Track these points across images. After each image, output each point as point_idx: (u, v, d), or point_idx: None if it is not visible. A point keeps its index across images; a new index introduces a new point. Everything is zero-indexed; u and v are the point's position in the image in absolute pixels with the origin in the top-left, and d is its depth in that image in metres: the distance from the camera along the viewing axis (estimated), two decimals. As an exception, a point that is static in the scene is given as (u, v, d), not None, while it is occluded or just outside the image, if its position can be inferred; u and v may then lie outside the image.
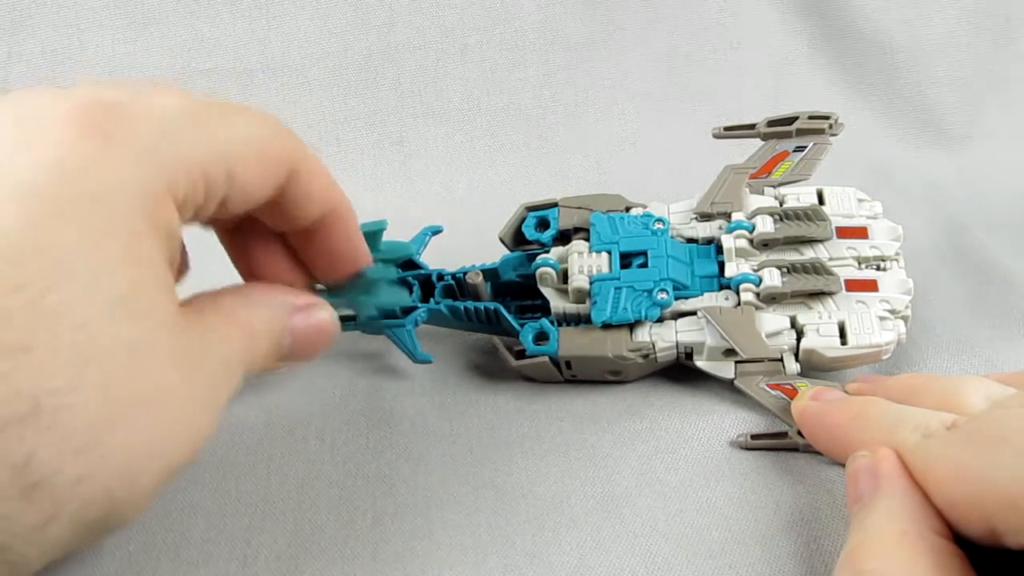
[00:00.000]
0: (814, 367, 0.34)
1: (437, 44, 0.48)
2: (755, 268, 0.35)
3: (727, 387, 0.35)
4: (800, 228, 0.35)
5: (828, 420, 0.31)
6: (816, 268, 0.34)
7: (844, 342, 0.33)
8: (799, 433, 0.32)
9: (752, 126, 0.39)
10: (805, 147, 0.38)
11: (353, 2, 0.48)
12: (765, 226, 0.35)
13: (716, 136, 0.39)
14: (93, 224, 0.22)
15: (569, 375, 0.36)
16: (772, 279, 0.34)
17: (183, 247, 0.28)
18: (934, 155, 0.48)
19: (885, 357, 0.34)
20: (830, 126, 0.38)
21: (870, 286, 0.34)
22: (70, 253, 0.21)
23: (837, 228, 0.36)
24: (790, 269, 0.34)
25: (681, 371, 0.36)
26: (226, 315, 0.27)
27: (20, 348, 0.20)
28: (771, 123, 0.39)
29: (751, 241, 0.35)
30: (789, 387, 0.33)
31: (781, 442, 0.32)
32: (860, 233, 0.36)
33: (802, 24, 0.50)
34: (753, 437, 0.33)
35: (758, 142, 0.39)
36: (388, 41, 0.48)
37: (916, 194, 0.46)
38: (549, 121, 0.49)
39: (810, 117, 0.38)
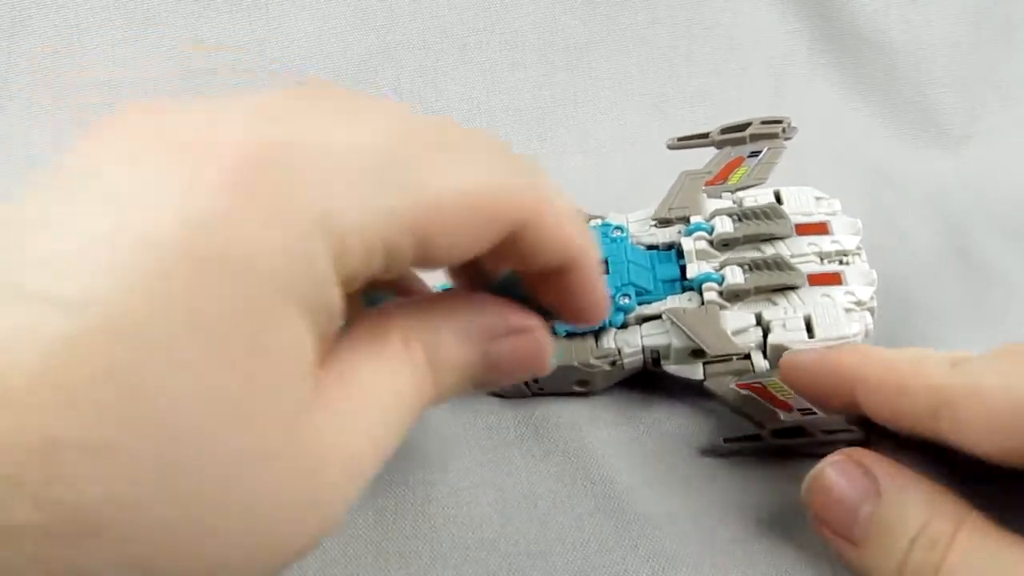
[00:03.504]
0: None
1: (436, 44, 0.48)
2: (717, 268, 0.35)
3: (696, 395, 0.34)
4: (759, 226, 0.35)
5: (832, 361, 0.29)
6: (778, 264, 0.34)
7: (811, 335, 0.33)
8: (772, 434, 0.32)
9: (706, 135, 0.39)
10: (760, 152, 0.38)
11: (353, 2, 0.48)
12: (724, 226, 0.35)
13: (671, 147, 0.39)
14: (221, 296, 0.17)
15: (536, 388, 0.35)
16: (735, 276, 0.34)
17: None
18: (934, 155, 0.48)
19: None
20: (783, 130, 0.38)
21: (834, 279, 0.34)
22: (176, 334, 0.17)
23: (797, 226, 0.36)
24: (752, 266, 0.34)
25: (647, 382, 0.36)
26: (390, 349, 0.22)
27: (101, 447, 0.16)
28: (724, 130, 0.39)
29: (711, 242, 0.35)
30: (759, 385, 0.33)
31: (754, 444, 0.32)
32: (820, 229, 0.36)
33: (802, 24, 0.50)
34: (725, 440, 0.33)
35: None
36: (387, 41, 0.48)
37: (916, 194, 0.46)
38: (549, 121, 0.49)
39: (763, 122, 0.38)
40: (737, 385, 0.33)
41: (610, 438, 0.34)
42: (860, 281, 0.34)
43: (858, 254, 0.35)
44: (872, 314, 0.34)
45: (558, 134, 0.49)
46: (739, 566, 0.30)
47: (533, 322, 0.24)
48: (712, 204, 0.37)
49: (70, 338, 0.16)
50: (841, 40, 0.50)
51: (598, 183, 0.47)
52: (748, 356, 0.34)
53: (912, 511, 0.25)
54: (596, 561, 0.30)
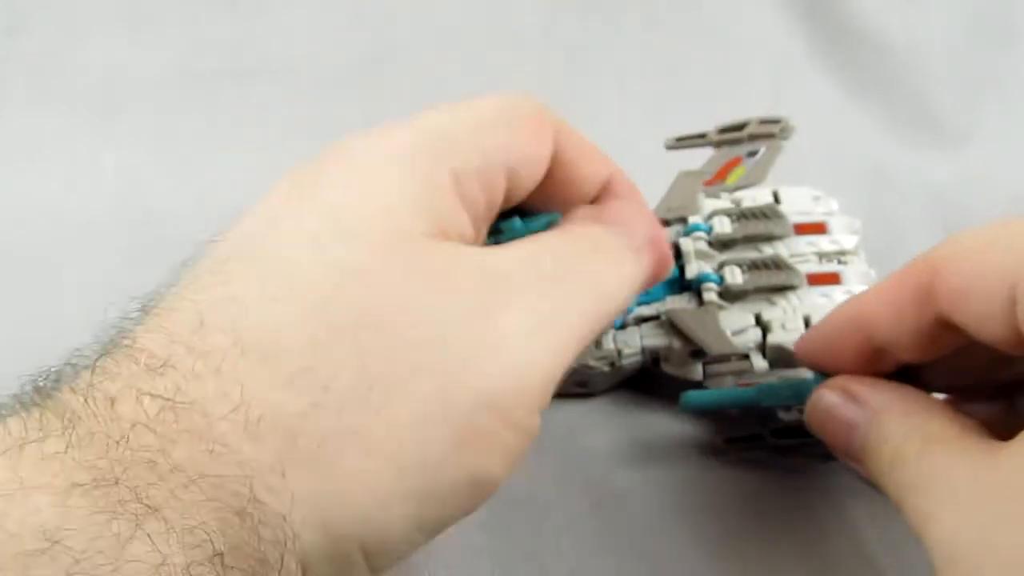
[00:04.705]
0: (782, 362, 0.34)
1: (437, 44, 0.48)
2: (715, 268, 0.35)
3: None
4: (758, 226, 0.35)
5: (837, 312, 0.29)
6: (777, 263, 0.34)
7: None
8: (772, 434, 0.32)
9: (703, 135, 0.39)
10: (757, 152, 0.38)
11: (352, 2, 0.48)
12: (723, 227, 0.35)
13: (668, 148, 0.39)
14: (400, 262, 0.22)
15: None
16: (733, 277, 0.34)
17: None
18: (934, 155, 0.48)
19: None
20: (781, 130, 0.38)
21: (832, 279, 0.34)
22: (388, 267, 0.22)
23: (795, 225, 0.36)
24: (751, 266, 0.34)
25: (646, 383, 0.36)
26: (591, 230, 0.26)
27: (231, 298, 0.21)
28: (722, 130, 0.39)
29: (710, 243, 0.35)
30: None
31: (756, 444, 0.32)
32: (818, 229, 0.36)
33: (802, 24, 0.50)
34: (727, 441, 0.33)
35: None
36: (387, 41, 0.48)
37: (915, 194, 0.46)
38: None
39: (761, 122, 0.38)
40: (738, 385, 0.33)
41: (608, 439, 0.34)
42: (859, 281, 0.34)
43: (856, 254, 0.35)
44: None
45: (557, 134, 0.49)
46: (736, 567, 0.30)
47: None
48: (710, 204, 0.37)
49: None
50: (841, 40, 0.50)
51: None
52: (747, 356, 0.33)
53: (889, 429, 0.25)
54: (592, 563, 0.30)
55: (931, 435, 0.24)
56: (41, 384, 0.20)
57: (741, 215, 0.36)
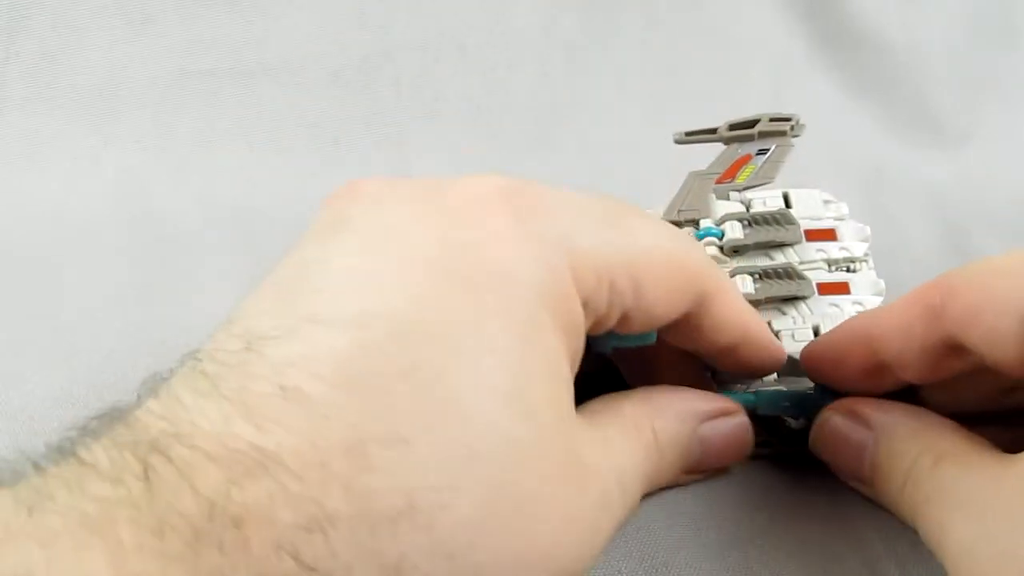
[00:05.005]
0: (791, 372, 0.34)
1: (436, 45, 0.48)
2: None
3: None
4: (770, 233, 0.35)
5: (844, 326, 0.29)
6: (788, 273, 0.34)
7: None
8: (781, 440, 0.31)
9: (714, 130, 0.39)
10: (768, 150, 0.37)
11: (352, 2, 0.48)
12: (734, 232, 0.35)
13: (678, 142, 0.39)
14: (488, 301, 0.20)
15: None
16: (745, 286, 0.34)
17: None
18: (933, 156, 0.48)
19: None
20: (792, 127, 0.38)
21: (842, 288, 0.34)
22: (462, 334, 0.19)
23: (805, 231, 0.36)
24: (762, 275, 0.34)
25: None
26: (626, 424, 0.24)
27: (400, 440, 0.18)
28: (732, 127, 0.38)
29: (721, 248, 0.35)
30: None
31: (767, 451, 0.32)
32: (828, 235, 0.36)
33: (802, 24, 0.50)
34: None
35: None
36: (387, 42, 0.48)
37: (915, 195, 0.46)
38: (548, 121, 0.49)
39: (771, 119, 0.38)
40: (739, 391, 0.33)
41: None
42: (868, 291, 0.34)
43: (865, 261, 0.35)
44: None
45: (557, 134, 0.49)
46: (737, 568, 0.30)
47: (732, 405, 0.27)
48: (722, 207, 0.37)
49: (361, 348, 0.18)
50: (841, 40, 0.50)
51: (598, 184, 0.47)
52: None
53: (900, 448, 0.25)
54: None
55: (943, 450, 0.24)
56: (142, 452, 0.17)
57: (753, 220, 0.35)
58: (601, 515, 0.22)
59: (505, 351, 0.20)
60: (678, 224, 0.36)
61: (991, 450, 0.24)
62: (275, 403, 0.18)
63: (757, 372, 0.30)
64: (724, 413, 0.27)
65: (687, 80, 0.49)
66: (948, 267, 0.41)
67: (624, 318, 0.24)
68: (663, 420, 0.25)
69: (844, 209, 0.37)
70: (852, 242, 0.36)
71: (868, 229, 0.36)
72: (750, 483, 0.32)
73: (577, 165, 0.48)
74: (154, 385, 0.19)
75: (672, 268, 0.24)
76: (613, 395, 0.25)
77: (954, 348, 0.25)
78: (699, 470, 0.27)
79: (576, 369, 0.23)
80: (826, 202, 0.37)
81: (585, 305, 0.22)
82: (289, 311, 0.19)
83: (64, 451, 0.17)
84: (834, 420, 0.28)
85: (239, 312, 0.20)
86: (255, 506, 0.17)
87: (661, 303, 0.24)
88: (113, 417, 0.18)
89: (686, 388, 0.27)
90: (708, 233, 0.36)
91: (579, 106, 0.49)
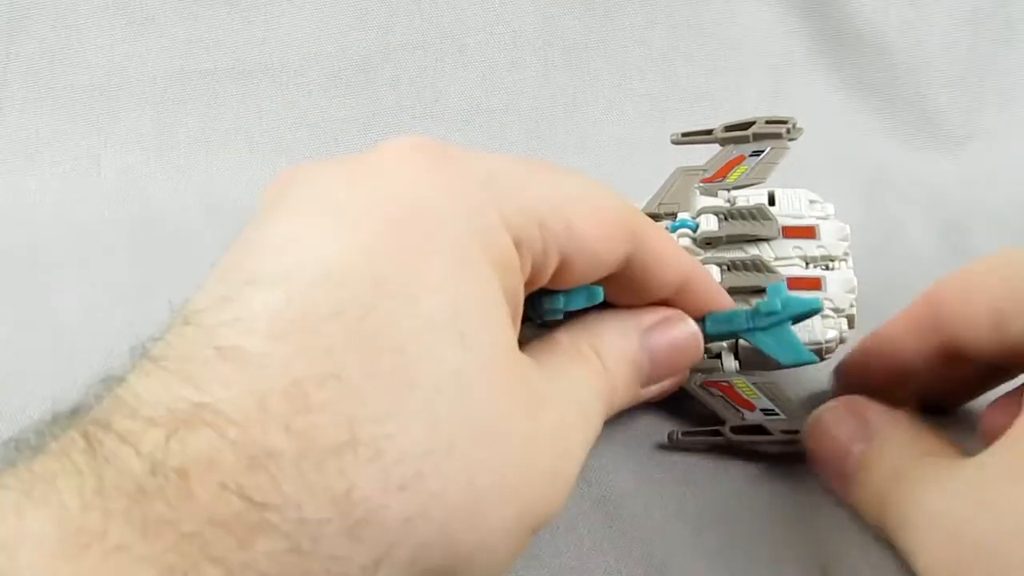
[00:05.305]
0: (753, 365, 0.34)
1: (436, 44, 0.48)
2: None
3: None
4: (744, 226, 0.35)
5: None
6: (756, 265, 0.34)
7: None
8: (732, 430, 0.32)
9: (710, 131, 0.39)
10: (762, 151, 0.37)
11: (352, 2, 0.48)
12: (709, 224, 0.35)
13: (675, 142, 0.39)
14: (412, 238, 0.20)
15: None
16: (710, 267, 0.34)
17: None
18: (934, 156, 0.48)
19: (827, 356, 0.34)
20: (787, 130, 0.38)
21: (813, 284, 0.34)
22: (389, 272, 0.20)
23: (784, 228, 0.35)
24: (730, 267, 0.34)
25: None
26: (568, 352, 0.25)
27: (335, 377, 0.19)
28: (728, 128, 0.38)
29: (694, 240, 0.35)
30: (726, 384, 0.33)
31: (712, 440, 0.32)
32: (807, 233, 0.35)
33: (802, 24, 0.50)
34: (684, 434, 0.32)
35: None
36: (387, 41, 0.48)
37: (915, 195, 0.46)
38: (548, 121, 0.49)
39: (767, 122, 0.38)
40: (704, 384, 0.33)
41: (608, 439, 0.34)
42: (840, 288, 0.34)
43: (844, 260, 0.35)
44: (851, 322, 0.34)
45: (557, 134, 0.49)
46: (736, 567, 0.30)
47: (672, 312, 0.28)
48: (703, 201, 0.37)
49: (291, 298, 0.19)
50: (840, 40, 0.49)
51: (597, 183, 0.47)
52: (719, 356, 0.33)
53: (893, 450, 0.26)
54: (592, 563, 0.30)
55: (925, 452, 0.26)
56: (91, 431, 0.18)
57: (729, 214, 0.35)
58: (564, 444, 0.23)
59: (434, 284, 0.20)
60: (656, 216, 0.36)
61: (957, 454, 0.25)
62: (213, 364, 0.18)
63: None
64: (666, 320, 0.27)
65: (687, 80, 0.49)
66: (948, 267, 0.41)
67: (566, 264, 0.24)
68: (602, 340, 0.26)
69: (830, 209, 0.36)
70: (831, 240, 0.35)
71: (848, 228, 0.36)
72: (750, 485, 0.32)
73: (577, 165, 0.48)
74: (107, 381, 0.19)
75: (601, 208, 0.24)
76: (549, 332, 0.26)
77: (953, 351, 0.26)
78: (655, 382, 0.28)
79: (520, 312, 0.24)
80: (812, 202, 0.37)
81: (518, 245, 0.23)
82: (226, 282, 0.20)
83: (19, 445, 0.18)
84: (834, 412, 0.28)
85: (187, 301, 0.20)
86: (197, 455, 0.17)
87: (596, 241, 0.24)
88: (68, 413, 0.19)
89: (623, 309, 0.27)
90: (682, 225, 0.35)
91: (579, 106, 0.49)
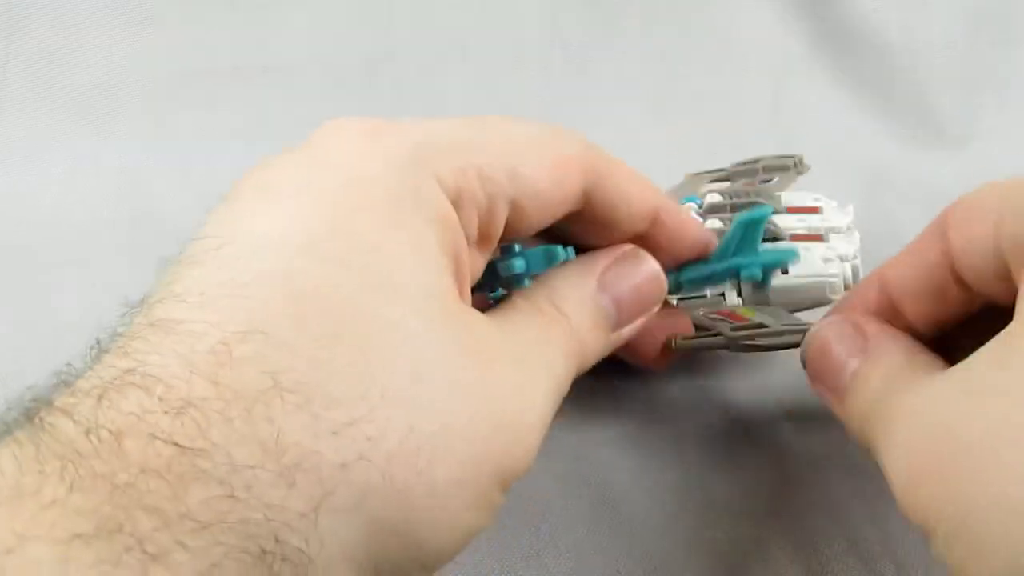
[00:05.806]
0: (756, 300, 0.34)
1: (436, 44, 0.48)
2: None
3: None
4: (749, 196, 0.35)
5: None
6: (755, 205, 0.34)
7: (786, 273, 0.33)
8: (732, 328, 0.31)
9: (721, 169, 0.39)
10: (770, 180, 0.38)
11: (353, 3, 0.48)
12: (713, 199, 0.36)
13: (686, 183, 0.39)
14: (346, 207, 0.21)
15: None
16: (712, 224, 0.34)
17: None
18: (933, 155, 0.48)
19: (832, 296, 0.33)
20: (795, 164, 0.38)
21: (815, 238, 0.34)
22: (320, 235, 0.21)
23: (788, 207, 0.36)
24: (731, 209, 0.35)
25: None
26: (523, 309, 0.25)
27: (258, 331, 0.19)
28: (738, 164, 0.39)
29: (700, 214, 0.36)
30: (727, 310, 0.33)
31: (713, 339, 0.31)
32: (811, 211, 0.36)
33: (802, 24, 0.50)
34: (684, 338, 0.32)
35: (752, 145, 0.39)
36: (387, 41, 0.48)
37: (915, 195, 0.46)
38: (548, 121, 0.49)
39: (776, 157, 0.38)
40: (711, 313, 0.33)
41: (608, 438, 0.34)
42: (843, 240, 0.34)
43: (849, 232, 0.35)
44: (856, 273, 0.34)
45: (557, 134, 0.49)
46: (736, 567, 0.30)
47: (627, 247, 0.27)
48: (709, 187, 0.37)
49: (217, 266, 0.20)
50: (841, 40, 0.50)
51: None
52: (722, 294, 0.34)
53: (886, 365, 0.25)
54: (592, 563, 0.30)
55: (920, 367, 0.25)
56: (34, 409, 0.18)
57: (733, 194, 0.36)
58: (522, 393, 0.23)
59: (365, 243, 0.21)
60: None
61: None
62: (145, 335, 0.19)
63: (685, 256, 0.30)
64: (620, 258, 0.27)
65: (687, 80, 0.50)
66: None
67: (517, 210, 0.24)
68: (557, 291, 0.26)
69: (833, 204, 0.37)
70: (835, 216, 0.35)
71: (851, 207, 0.36)
72: (750, 483, 0.32)
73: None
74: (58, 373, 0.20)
75: (550, 149, 0.25)
76: (504, 299, 0.26)
77: (959, 280, 0.25)
78: (624, 324, 0.27)
79: (467, 269, 0.24)
80: (816, 199, 0.37)
81: (458, 200, 0.23)
82: (170, 268, 0.21)
83: None
84: (834, 326, 0.27)
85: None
86: (128, 415, 0.18)
87: (545, 182, 0.24)
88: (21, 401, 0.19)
89: (580, 257, 0.27)
90: (688, 200, 0.36)
91: (579, 106, 0.49)
